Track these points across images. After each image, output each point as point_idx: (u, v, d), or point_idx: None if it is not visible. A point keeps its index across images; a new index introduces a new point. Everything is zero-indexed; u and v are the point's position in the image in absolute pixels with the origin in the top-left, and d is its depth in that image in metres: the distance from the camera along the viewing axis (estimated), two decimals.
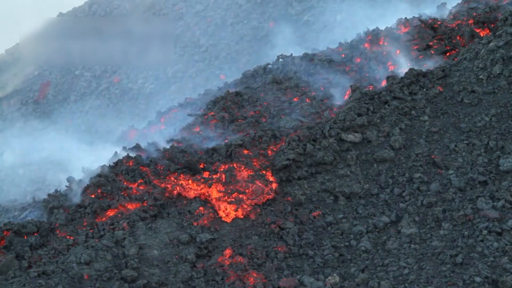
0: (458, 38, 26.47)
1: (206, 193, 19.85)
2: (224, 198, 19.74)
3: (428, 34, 27.48)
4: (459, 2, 29.61)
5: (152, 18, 62.85)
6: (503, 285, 16.28)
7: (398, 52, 27.41)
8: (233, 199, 19.67)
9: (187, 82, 53.53)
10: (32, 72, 63.18)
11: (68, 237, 18.04)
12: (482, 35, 25.74)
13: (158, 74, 55.62)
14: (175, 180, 20.12)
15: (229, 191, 19.90)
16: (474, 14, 26.75)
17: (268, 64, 30.92)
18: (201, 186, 19.98)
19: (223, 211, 19.52)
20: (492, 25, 25.74)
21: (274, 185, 20.45)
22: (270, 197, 20.11)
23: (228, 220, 19.41)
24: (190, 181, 20.04)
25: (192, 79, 53.57)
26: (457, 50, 25.86)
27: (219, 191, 19.92)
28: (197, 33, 58.40)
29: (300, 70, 28.48)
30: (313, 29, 52.18)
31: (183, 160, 20.72)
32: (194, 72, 54.40)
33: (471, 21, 26.57)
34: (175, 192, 19.71)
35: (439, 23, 27.99)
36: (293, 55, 30.50)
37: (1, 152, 51.92)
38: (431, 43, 27.03)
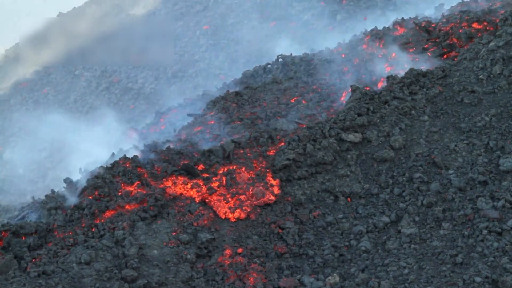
0: (454, 40, 26.40)
1: (206, 199, 19.80)
2: (224, 202, 19.70)
3: (422, 36, 27.43)
4: (453, 5, 29.61)
5: (152, 18, 62.80)
6: (503, 285, 16.28)
7: (394, 54, 27.37)
8: (232, 205, 19.62)
9: (187, 82, 53.47)
10: (32, 72, 63.17)
11: (67, 238, 18.00)
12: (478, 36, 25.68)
13: (158, 74, 55.58)
14: (173, 185, 20.01)
15: (229, 195, 19.85)
16: (467, 17, 26.70)
17: (268, 64, 30.94)
18: (202, 190, 19.89)
19: (223, 214, 19.49)
20: (491, 29, 25.67)
21: (275, 189, 20.37)
22: (271, 201, 20.08)
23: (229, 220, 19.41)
24: (189, 185, 19.95)
25: (192, 79, 53.52)
26: (454, 52, 25.82)
27: (219, 194, 19.86)
28: (197, 33, 58.38)
29: (300, 70, 28.47)
30: (313, 29, 52.13)
31: (179, 162, 20.61)
32: (194, 72, 54.35)
33: (464, 24, 26.52)
34: (174, 192, 19.67)
35: (433, 25, 27.94)
36: (293, 55, 30.50)
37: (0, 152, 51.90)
38: (426, 46, 26.98)
